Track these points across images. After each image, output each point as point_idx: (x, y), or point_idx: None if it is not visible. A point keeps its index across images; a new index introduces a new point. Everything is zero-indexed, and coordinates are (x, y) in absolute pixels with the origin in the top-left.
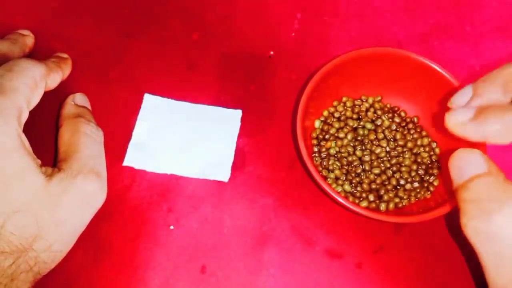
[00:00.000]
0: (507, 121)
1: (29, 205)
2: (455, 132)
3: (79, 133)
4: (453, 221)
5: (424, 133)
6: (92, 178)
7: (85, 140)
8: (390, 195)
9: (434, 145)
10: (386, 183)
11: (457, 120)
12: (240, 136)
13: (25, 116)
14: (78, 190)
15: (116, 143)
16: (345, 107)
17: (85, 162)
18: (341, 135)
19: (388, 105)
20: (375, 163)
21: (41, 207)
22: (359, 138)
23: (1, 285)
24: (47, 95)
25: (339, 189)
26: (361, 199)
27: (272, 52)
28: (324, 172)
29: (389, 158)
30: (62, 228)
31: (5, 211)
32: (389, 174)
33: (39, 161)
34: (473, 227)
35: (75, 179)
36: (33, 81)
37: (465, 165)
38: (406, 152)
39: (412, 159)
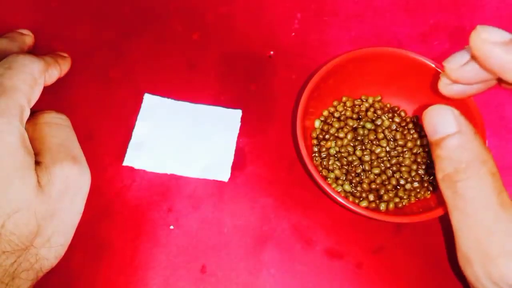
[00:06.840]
0: None
1: (28, 203)
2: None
3: (40, 125)
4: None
5: (424, 133)
6: (69, 164)
7: (49, 129)
8: (390, 195)
9: None
10: (386, 183)
11: (486, 45)
12: (240, 136)
13: (26, 114)
14: (59, 179)
15: (116, 143)
16: (345, 107)
17: (56, 150)
18: (341, 135)
19: (388, 105)
20: (375, 163)
21: (39, 204)
22: (359, 138)
23: (3, 284)
24: (46, 95)
25: (339, 189)
26: (361, 199)
27: (272, 52)
28: (324, 172)
29: (389, 158)
30: (56, 220)
31: (6, 211)
32: (389, 174)
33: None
34: (446, 184)
35: (53, 169)
36: (32, 78)
37: (437, 123)
38: (406, 152)
39: (412, 159)
